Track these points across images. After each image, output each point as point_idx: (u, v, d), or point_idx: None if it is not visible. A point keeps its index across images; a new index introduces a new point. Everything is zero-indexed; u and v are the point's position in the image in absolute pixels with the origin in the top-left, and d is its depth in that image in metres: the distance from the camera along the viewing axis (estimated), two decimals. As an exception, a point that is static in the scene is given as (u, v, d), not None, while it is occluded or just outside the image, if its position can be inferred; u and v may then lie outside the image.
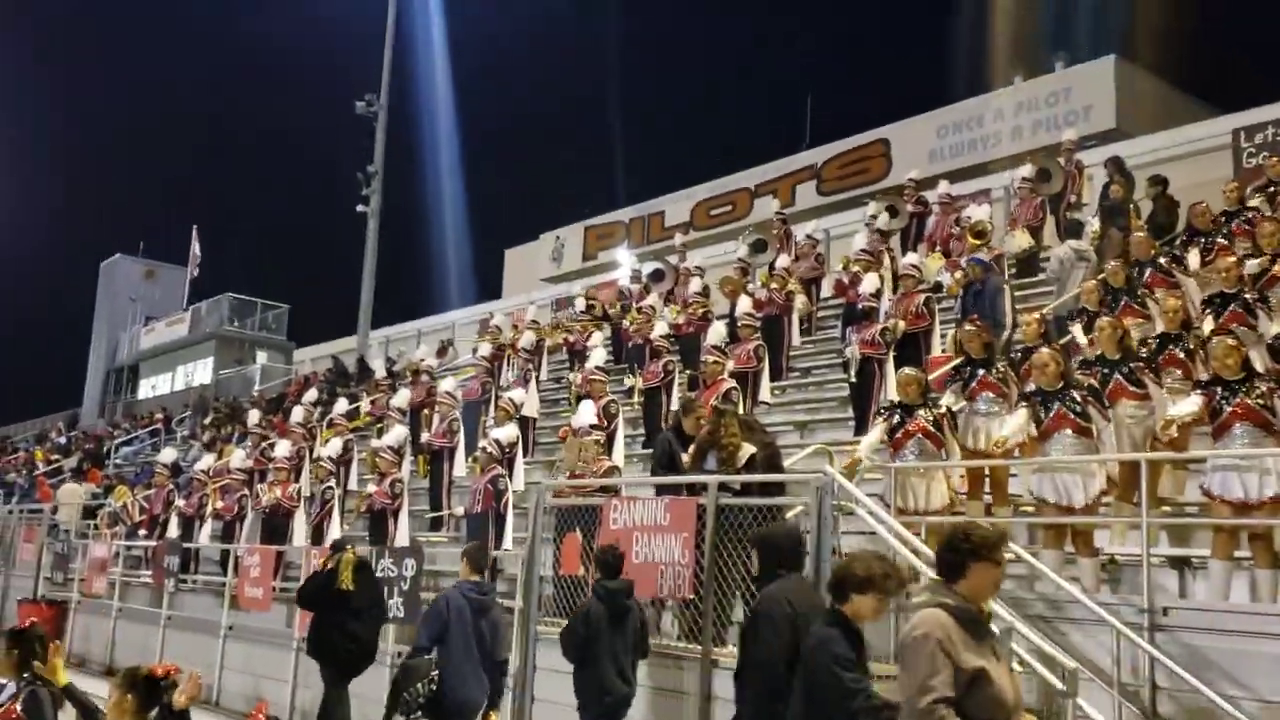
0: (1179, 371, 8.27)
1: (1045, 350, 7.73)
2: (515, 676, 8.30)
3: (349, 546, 9.42)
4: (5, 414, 44.97)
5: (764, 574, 5.54)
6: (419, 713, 7.45)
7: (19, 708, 5.68)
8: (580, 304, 18.99)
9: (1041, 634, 6.21)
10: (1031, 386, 7.75)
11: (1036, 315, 9.41)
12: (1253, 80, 22.32)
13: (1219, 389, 6.84)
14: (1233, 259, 8.91)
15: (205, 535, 14.96)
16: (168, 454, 18.54)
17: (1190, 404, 6.94)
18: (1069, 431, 7.23)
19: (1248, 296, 8.59)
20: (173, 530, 15.19)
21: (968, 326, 8.75)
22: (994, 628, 5.55)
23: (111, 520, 17.58)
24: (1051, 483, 7.16)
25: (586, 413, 10.83)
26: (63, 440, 32.57)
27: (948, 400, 8.48)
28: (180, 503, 15.49)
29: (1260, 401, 6.63)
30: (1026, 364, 8.30)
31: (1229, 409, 6.72)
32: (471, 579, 7.88)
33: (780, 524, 6.68)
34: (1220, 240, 10.61)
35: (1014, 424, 7.55)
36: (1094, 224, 12.54)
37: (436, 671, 7.47)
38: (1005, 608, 6.21)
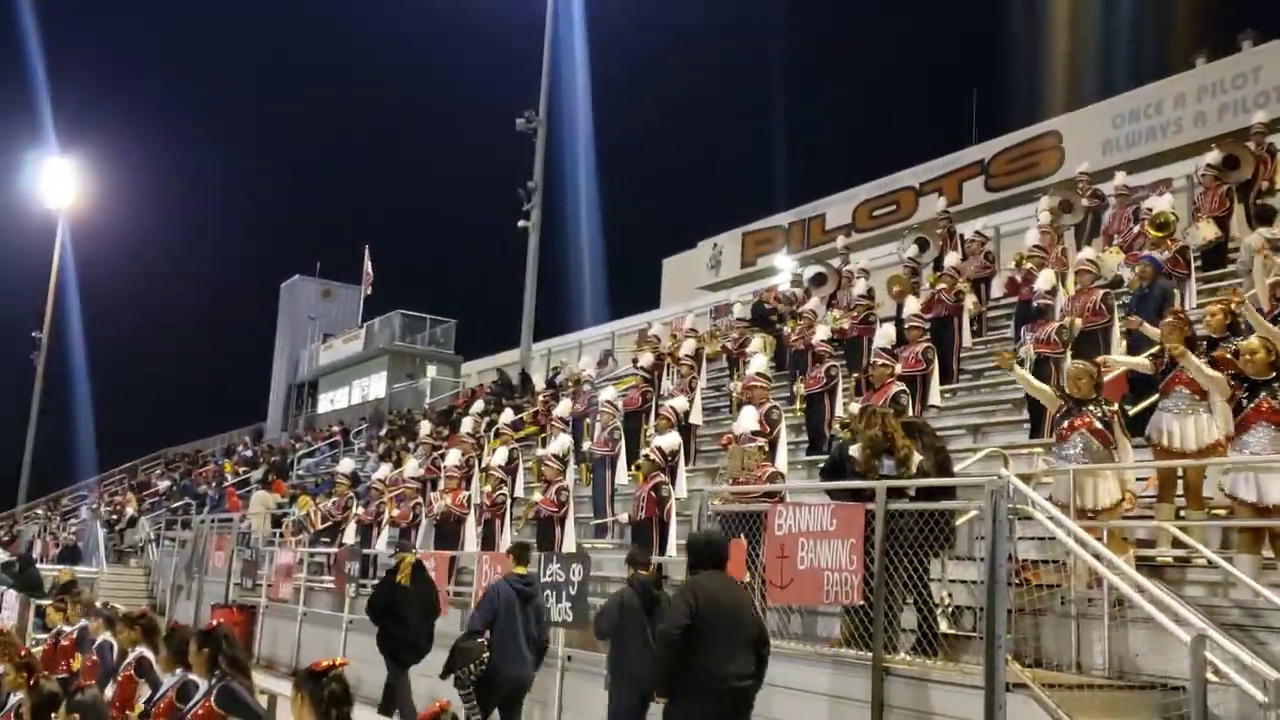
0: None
1: (1255, 338, 7.30)
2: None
3: (411, 549, 11.07)
4: (196, 429, 47.97)
5: (690, 569, 6.79)
6: (471, 689, 8.50)
7: (214, 703, 6.03)
8: (738, 310, 18.91)
9: (1239, 643, 5.84)
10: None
11: (1220, 305, 8.86)
12: None
13: None
14: None
15: (382, 541, 15.57)
16: (346, 464, 19.40)
17: None
18: (1269, 425, 6.79)
19: None
20: (351, 537, 15.86)
21: (1168, 319, 8.31)
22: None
23: (296, 528, 18.48)
24: (1246, 481, 6.74)
25: (748, 419, 10.77)
26: (249, 453, 34.50)
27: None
28: (359, 511, 16.17)
29: None
30: (1219, 352, 7.85)
31: None
32: (518, 572, 9.11)
33: (702, 531, 7.82)
34: None
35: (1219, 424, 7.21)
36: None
37: (487, 653, 8.60)
38: (1198, 615, 5.88)
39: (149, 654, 7.65)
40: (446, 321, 41.31)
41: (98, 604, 9.74)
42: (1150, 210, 12.55)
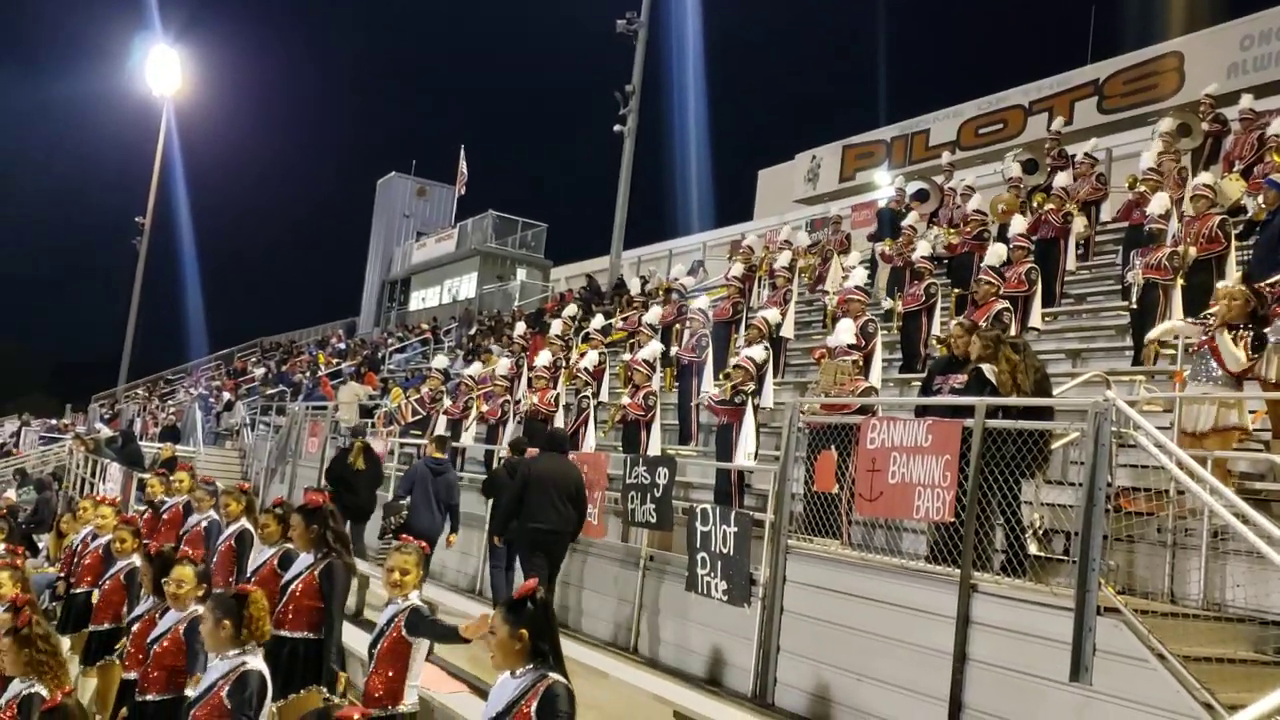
0: None
1: None
2: (765, 588, 8.48)
3: (361, 437, 14.21)
4: (291, 320, 49.30)
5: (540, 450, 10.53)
6: (391, 536, 11.07)
7: (317, 576, 6.30)
8: (787, 232, 18.61)
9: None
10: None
11: None
12: None
13: None
14: None
15: (469, 436, 15.91)
16: (440, 360, 19.80)
17: None
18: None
19: None
20: (441, 430, 16.22)
21: None
22: None
23: (387, 419, 18.97)
24: None
25: (844, 332, 10.70)
26: (342, 346, 35.35)
27: None
28: (448, 404, 16.52)
29: None
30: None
31: None
32: (435, 456, 12.04)
33: (553, 427, 12.52)
34: None
35: None
36: None
37: (406, 511, 11.50)
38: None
39: (250, 528, 8.01)
40: (538, 225, 41.47)
41: (201, 479, 10.17)
42: (1278, 136, 11.96)
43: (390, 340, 34.47)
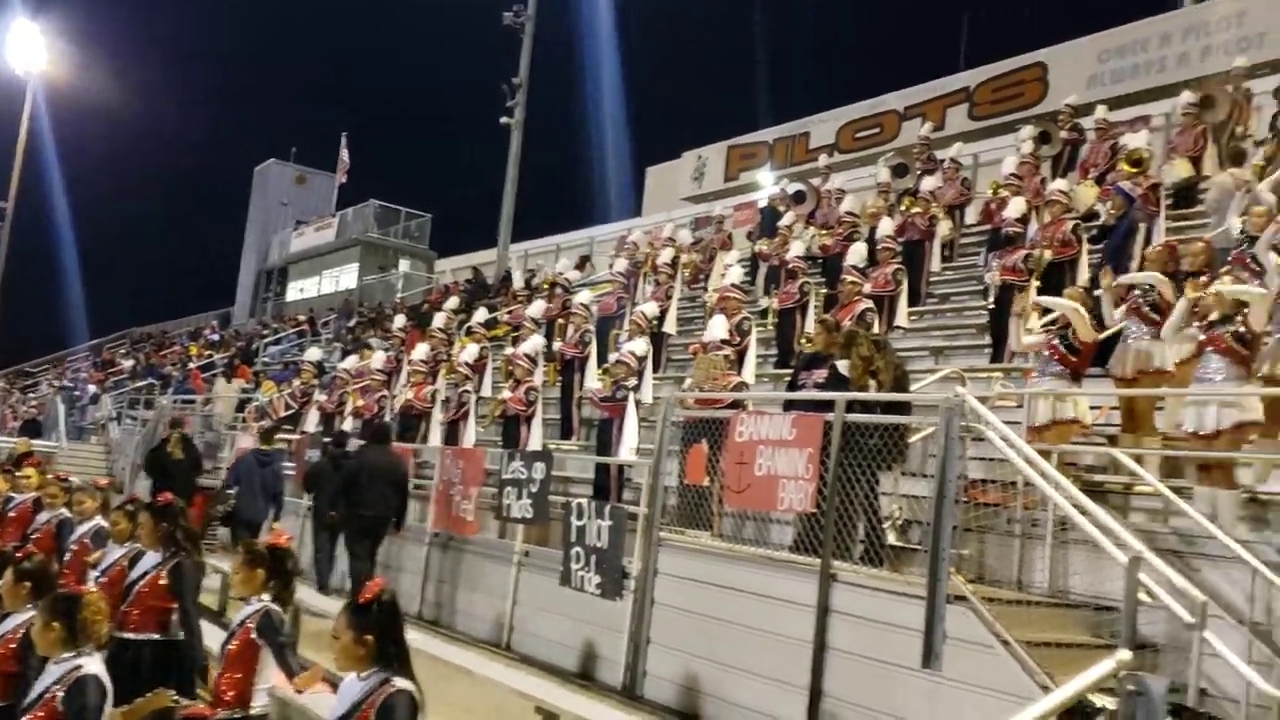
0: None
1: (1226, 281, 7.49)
2: (637, 580, 8.57)
3: (179, 428, 14.90)
4: (163, 311, 47.56)
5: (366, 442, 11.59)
6: (218, 520, 12.61)
7: (165, 575, 6.13)
8: (685, 235, 18.88)
9: (1173, 568, 6.08)
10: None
11: (1205, 241, 9.02)
12: None
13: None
14: None
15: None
16: (314, 353, 19.38)
17: None
18: (1220, 354, 7.02)
19: None
20: (313, 425, 15.92)
21: (1157, 248, 8.50)
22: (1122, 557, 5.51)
23: (258, 414, 18.52)
24: (1189, 411, 7.01)
25: (717, 328, 10.88)
26: (215, 338, 34.32)
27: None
28: (321, 399, 16.21)
29: None
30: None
31: None
32: (262, 447, 12.97)
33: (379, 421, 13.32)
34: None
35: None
36: (1258, 153, 11.83)
37: (234, 501, 12.37)
38: (1137, 540, 6.10)
39: (105, 525, 7.75)
40: (422, 216, 40.90)
41: (51, 476, 9.80)
42: (1126, 146, 12.61)
43: (266, 332, 33.62)
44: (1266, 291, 7.36)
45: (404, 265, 38.75)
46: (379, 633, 3.80)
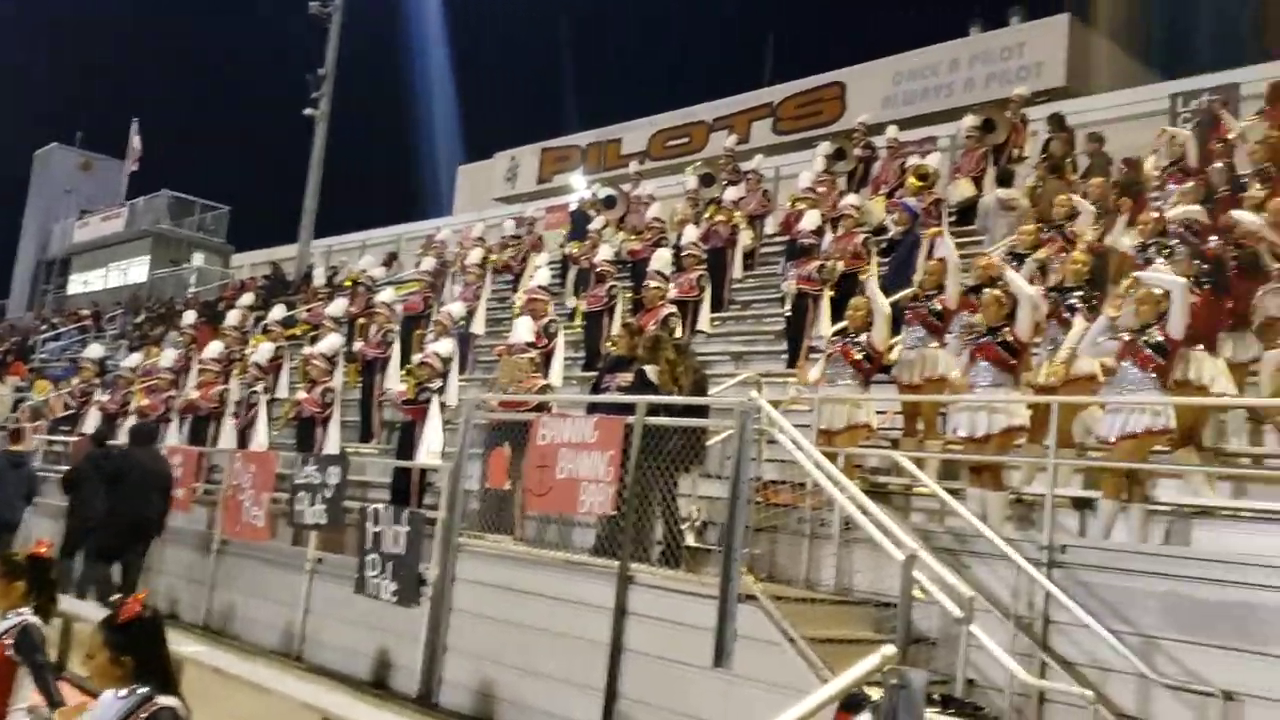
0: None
1: (995, 290, 7.95)
2: (434, 586, 8.44)
3: None
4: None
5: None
6: None
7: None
8: (510, 225, 18.85)
9: (947, 565, 6.43)
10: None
11: (990, 256, 9.58)
12: (1194, 47, 22.64)
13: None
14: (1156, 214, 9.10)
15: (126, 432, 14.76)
16: (94, 350, 18.21)
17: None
18: (989, 362, 7.47)
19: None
20: (92, 426, 14.94)
21: (933, 262, 8.96)
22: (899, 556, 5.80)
23: (33, 415, 17.26)
24: (962, 417, 7.43)
25: (523, 330, 10.83)
26: (-12, 332, 31.82)
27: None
28: (102, 399, 15.25)
29: (1146, 341, 6.86)
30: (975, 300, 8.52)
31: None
32: (13, 449, 12.35)
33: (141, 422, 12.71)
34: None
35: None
36: (1031, 176, 12.75)
37: None
38: (914, 539, 6.42)
39: None
40: (219, 208, 39.02)
41: None
42: (915, 164, 13.31)
43: (44, 327, 31.37)
44: (1033, 295, 7.87)
45: (198, 259, 36.88)
46: (139, 653, 3.56)
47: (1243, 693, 5.56)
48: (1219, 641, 5.71)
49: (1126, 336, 7.01)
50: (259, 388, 12.96)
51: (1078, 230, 9.71)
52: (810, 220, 12.11)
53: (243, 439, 12.56)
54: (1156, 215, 8.94)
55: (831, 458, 7.50)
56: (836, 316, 10.77)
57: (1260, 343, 7.87)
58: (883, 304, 8.50)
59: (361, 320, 15.21)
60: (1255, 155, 10.50)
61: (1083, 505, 7.28)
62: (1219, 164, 10.64)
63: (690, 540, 7.93)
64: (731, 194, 15.44)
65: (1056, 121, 13.85)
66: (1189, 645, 5.82)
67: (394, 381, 13.20)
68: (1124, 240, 9.37)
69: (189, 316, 18.80)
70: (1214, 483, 7.15)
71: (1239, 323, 7.88)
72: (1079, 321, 7.77)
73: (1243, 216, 8.34)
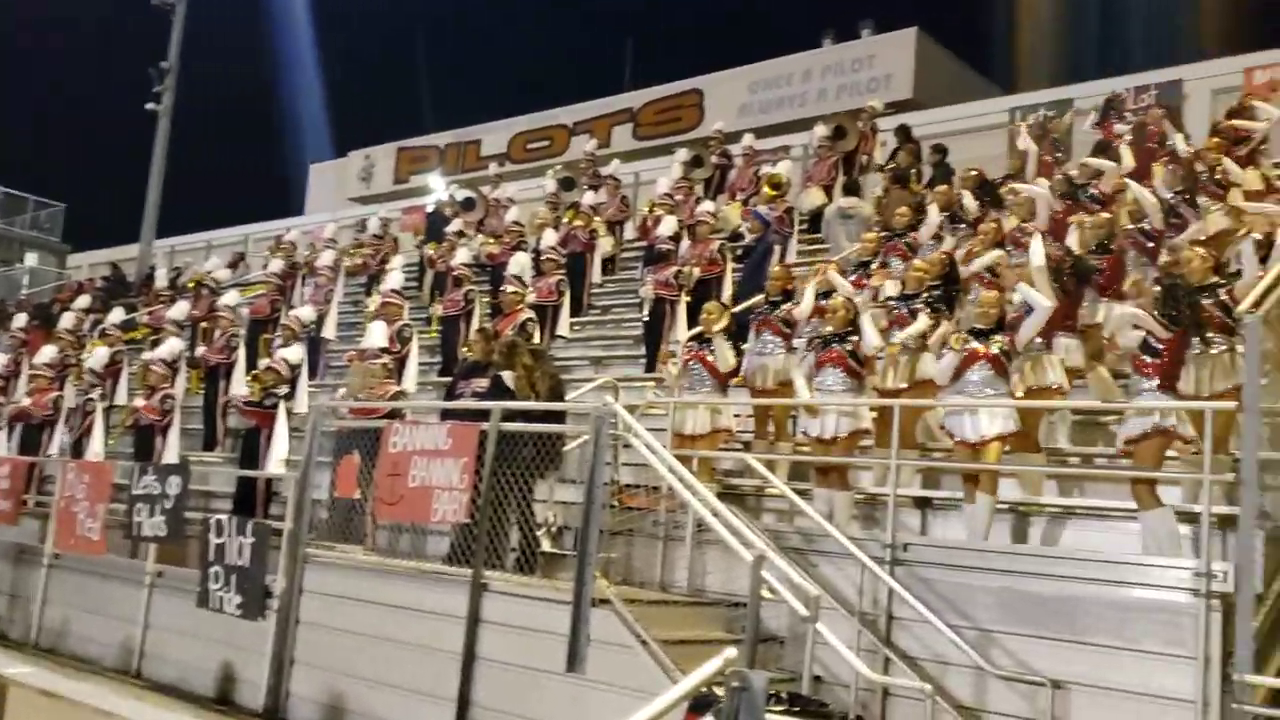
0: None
1: (841, 297, 8.16)
2: (281, 599, 8.20)
3: None
4: None
5: None
6: None
7: None
8: (373, 224, 18.50)
9: (794, 565, 6.57)
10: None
11: (833, 263, 9.82)
12: (1035, 63, 23.84)
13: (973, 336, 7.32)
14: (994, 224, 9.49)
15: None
16: (-89, 354, 17.04)
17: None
18: (837, 369, 7.67)
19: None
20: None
21: (777, 269, 9.14)
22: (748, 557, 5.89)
23: None
24: (813, 418, 7.62)
25: (376, 335, 10.60)
26: None
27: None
28: (-76, 406, 14.29)
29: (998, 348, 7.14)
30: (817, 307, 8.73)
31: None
32: None
33: None
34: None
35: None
36: (878, 187, 13.18)
37: None
38: (764, 539, 6.54)
39: None
40: (54, 205, 36.96)
41: None
42: (769, 172, 13.59)
43: None
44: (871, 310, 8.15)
45: (31, 259, 34.90)
46: None
47: (1069, 681, 5.85)
48: (1048, 633, 6.00)
49: (974, 343, 7.23)
50: (95, 394, 12.36)
51: (919, 238, 10.07)
52: (667, 226, 12.23)
53: (77, 448, 11.97)
54: (995, 224, 9.31)
55: (686, 461, 7.61)
56: (693, 322, 10.92)
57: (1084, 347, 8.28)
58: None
59: (204, 324, 14.66)
60: (1085, 169, 11.06)
61: (924, 504, 7.55)
62: (1059, 175, 11.16)
63: (546, 545, 7.94)
64: (590, 199, 15.47)
65: (903, 133, 14.32)
66: (1022, 638, 6.09)
67: (239, 388, 12.77)
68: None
69: (20, 319, 17.79)
70: (1041, 482, 7.49)
71: (1070, 328, 8.28)
72: (921, 319, 8.02)
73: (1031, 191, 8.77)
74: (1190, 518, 6.18)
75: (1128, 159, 10.92)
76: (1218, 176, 9.73)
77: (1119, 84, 15.06)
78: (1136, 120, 12.65)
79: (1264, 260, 7.25)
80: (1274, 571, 5.80)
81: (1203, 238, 8.61)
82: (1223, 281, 6.95)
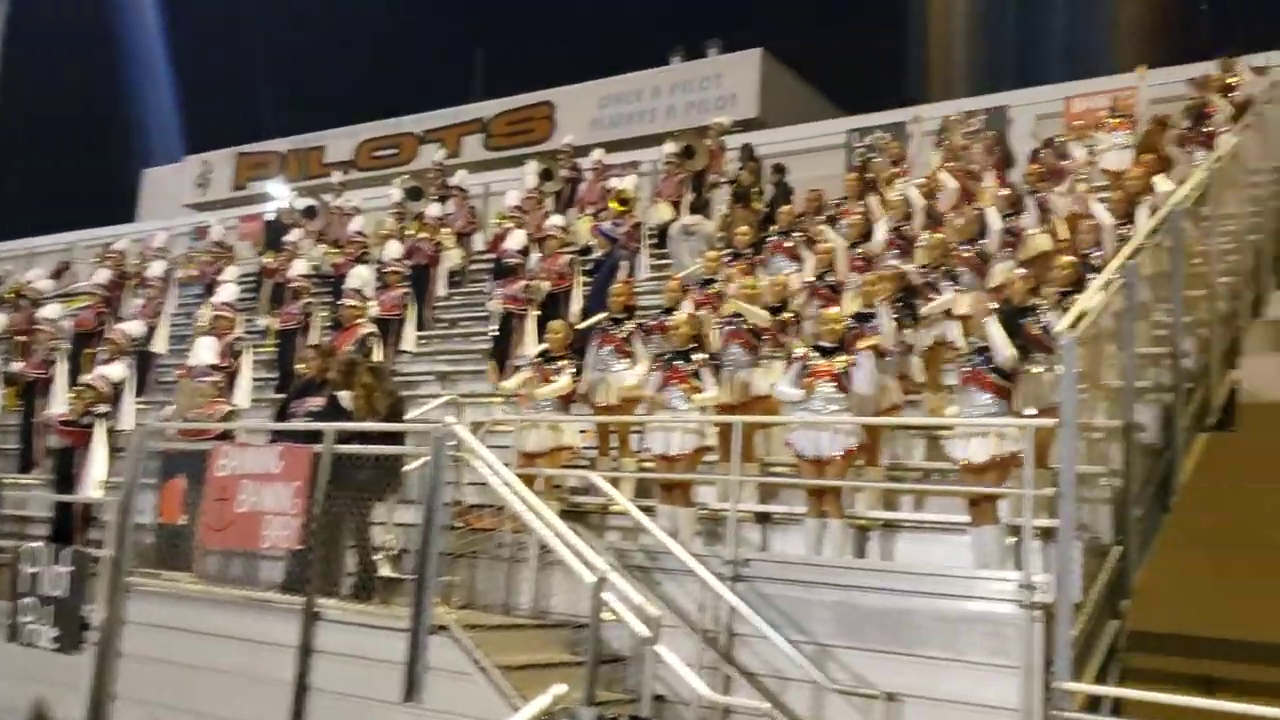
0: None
1: (682, 314, 8.19)
2: (100, 630, 7.74)
3: None
4: None
5: None
6: None
7: None
8: (217, 231, 17.78)
9: (638, 584, 6.55)
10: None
11: (678, 279, 9.88)
12: (876, 84, 24.68)
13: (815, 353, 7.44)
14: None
15: None
16: None
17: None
18: (680, 388, 7.71)
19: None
20: None
21: (619, 284, 9.13)
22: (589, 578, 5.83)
23: None
24: (656, 436, 7.63)
25: (205, 352, 10.16)
26: None
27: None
28: None
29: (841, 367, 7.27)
30: (659, 323, 8.76)
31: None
32: None
33: None
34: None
35: (636, 375, 8.05)
36: (723, 205, 13.38)
37: None
38: (609, 559, 6.50)
39: None
40: None
41: None
42: (616, 187, 13.63)
43: None
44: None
45: None
46: None
47: (903, 693, 5.99)
48: (883, 646, 6.13)
49: (823, 361, 7.34)
50: None
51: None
52: (516, 240, 12.13)
53: None
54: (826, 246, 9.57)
55: (530, 480, 7.51)
56: (544, 336, 10.83)
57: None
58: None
59: (23, 337, 13.79)
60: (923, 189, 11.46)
61: (764, 519, 7.65)
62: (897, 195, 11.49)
63: (386, 570, 7.69)
64: (435, 210, 15.22)
65: (746, 152, 14.57)
66: (858, 651, 6.20)
67: (59, 405, 12.05)
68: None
69: None
70: (881, 496, 7.67)
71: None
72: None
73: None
74: (1015, 530, 6.41)
75: (950, 182, 11.28)
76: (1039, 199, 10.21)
77: (950, 108, 15.72)
78: (965, 143, 13.17)
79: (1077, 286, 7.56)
80: (1091, 581, 6.06)
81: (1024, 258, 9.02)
82: (1042, 303, 7.28)
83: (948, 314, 8.36)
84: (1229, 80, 11.92)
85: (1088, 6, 30.66)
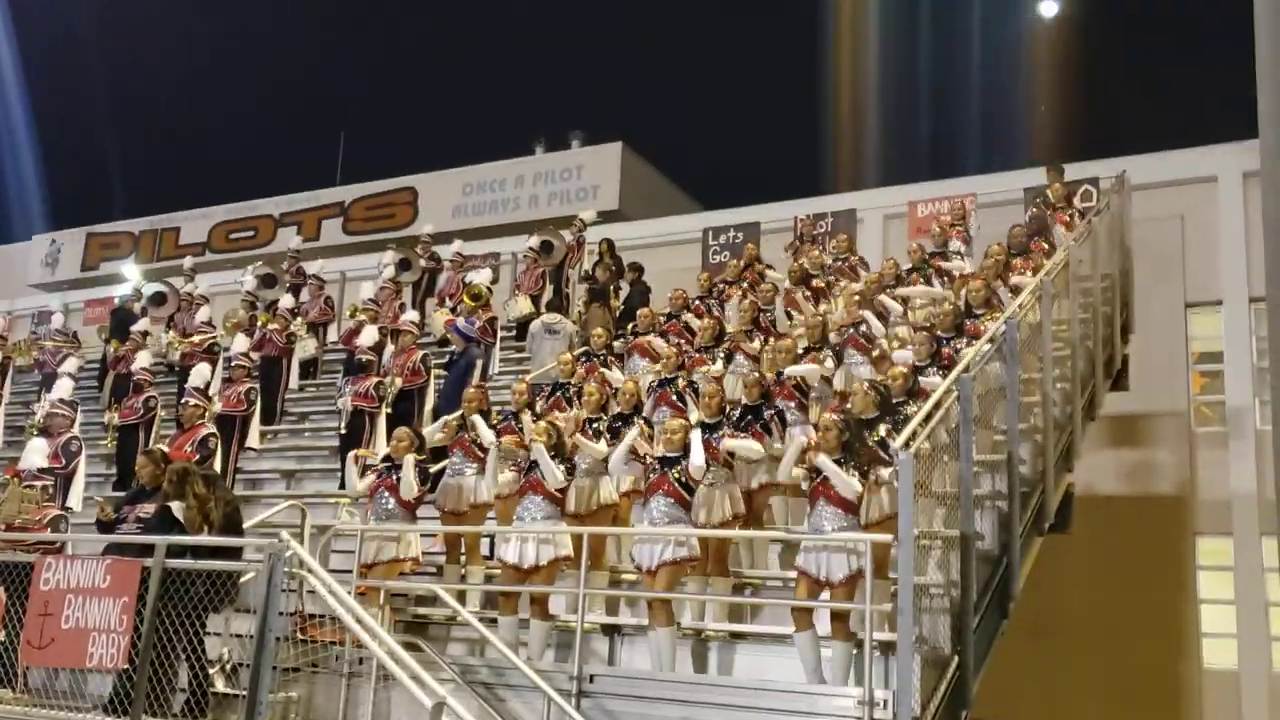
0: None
1: (541, 422, 8.15)
2: (-100, 760, 7.15)
3: None
4: None
5: None
6: None
7: None
8: (58, 320, 17.04)
9: (481, 702, 6.42)
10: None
11: (525, 382, 9.82)
12: (734, 180, 25.45)
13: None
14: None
15: None
16: None
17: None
18: (538, 497, 7.63)
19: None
20: None
21: (471, 389, 9.06)
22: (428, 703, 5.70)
23: None
24: (510, 545, 7.54)
25: (36, 455, 9.66)
26: None
27: None
28: None
29: (678, 478, 7.27)
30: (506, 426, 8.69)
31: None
32: None
33: None
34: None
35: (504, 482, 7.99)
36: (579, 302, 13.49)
37: None
38: (454, 673, 6.37)
39: None
40: None
41: None
42: (471, 280, 13.61)
43: None
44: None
45: None
46: None
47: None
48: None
49: (658, 469, 7.39)
50: None
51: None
52: (368, 336, 11.96)
53: None
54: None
55: (374, 591, 7.31)
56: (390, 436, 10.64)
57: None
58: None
59: None
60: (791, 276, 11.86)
61: (613, 631, 7.60)
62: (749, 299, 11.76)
63: (220, 685, 7.38)
64: (288, 301, 14.88)
65: (608, 247, 14.74)
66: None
67: None
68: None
69: None
70: (726, 607, 7.68)
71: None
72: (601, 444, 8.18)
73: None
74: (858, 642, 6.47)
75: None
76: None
77: (800, 208, 16.31)
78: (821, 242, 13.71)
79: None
80: (931, 694, 6.15)
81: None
82: (883, 416, 7.43)
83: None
84: (1059, 190, 12.45)
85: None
